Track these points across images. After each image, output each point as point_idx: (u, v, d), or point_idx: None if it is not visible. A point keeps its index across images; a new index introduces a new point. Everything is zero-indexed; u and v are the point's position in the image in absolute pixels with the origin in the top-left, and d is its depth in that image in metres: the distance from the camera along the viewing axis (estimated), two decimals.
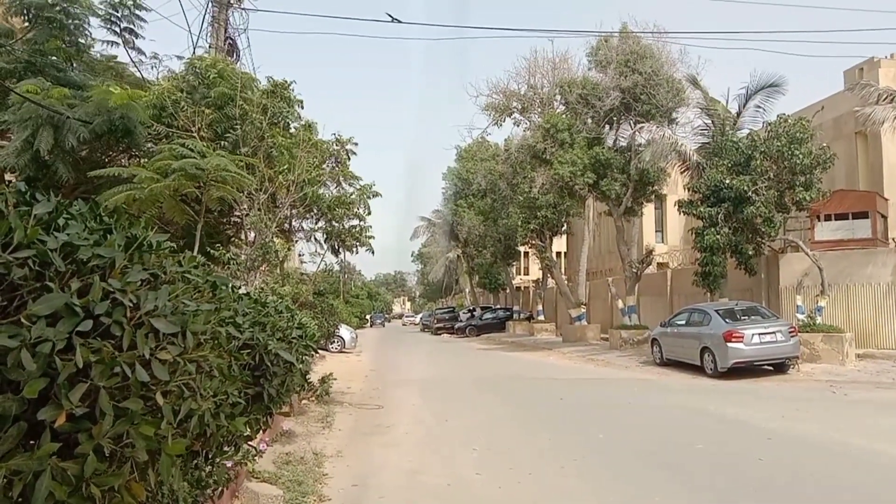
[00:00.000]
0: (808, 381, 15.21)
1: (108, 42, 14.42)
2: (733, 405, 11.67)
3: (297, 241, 18.87)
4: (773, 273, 21.49)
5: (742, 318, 16.63)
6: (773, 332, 15.90)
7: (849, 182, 26.37)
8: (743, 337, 15.65)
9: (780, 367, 16.45)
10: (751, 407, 11.63)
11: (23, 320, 1.96)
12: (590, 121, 25.60)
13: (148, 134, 12.38)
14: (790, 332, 16.08)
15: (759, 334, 15.78)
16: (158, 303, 2.33)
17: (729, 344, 15.66)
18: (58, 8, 12.48)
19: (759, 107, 22.00)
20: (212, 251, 12.04)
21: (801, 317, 18.57)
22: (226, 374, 2.97)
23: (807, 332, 17.61)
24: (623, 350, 23.88)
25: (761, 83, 21.60)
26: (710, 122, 22.72)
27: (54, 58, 12.58)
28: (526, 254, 53.54)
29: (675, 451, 8.25)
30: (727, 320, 16.43)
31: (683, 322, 18.29)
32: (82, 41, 13.73)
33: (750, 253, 19.73)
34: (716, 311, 17.15)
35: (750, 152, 19.18)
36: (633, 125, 24.85)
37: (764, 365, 16.34)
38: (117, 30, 14.36)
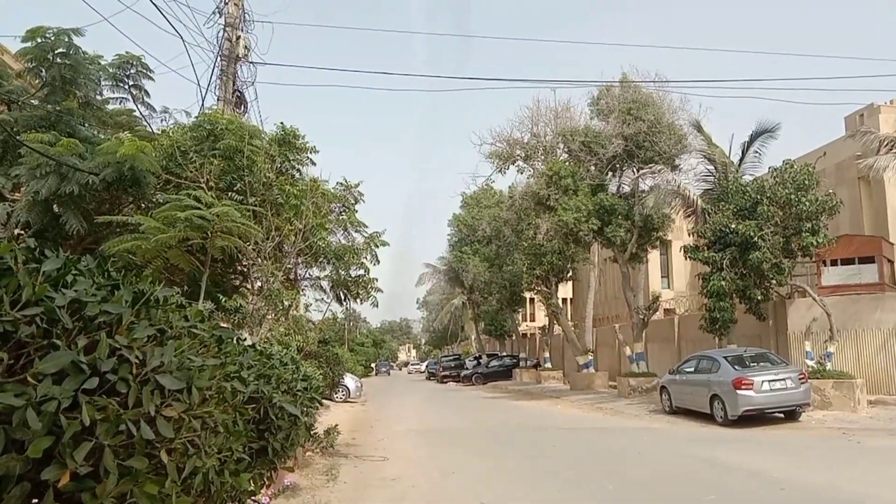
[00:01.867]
0: (820, 429, 14.95)
1: (118, 99, 14.76)
2: (745, 454, 11.47)
3: (303, 290, 18.87)
4: (781, 319, 21.34)
5: (751, 364, 16.45)
6: (783, 379, 15.70)
7: (853, 227, 26.38)
8: (752, 384, 15.45)
9: (791, 415, 16.19)
10: (763, 456, 11.42)
11: (29, 379, 1.96)
12: (593, 168, 25.81)
13: (157, 184, 12.53)
14: (800, 379, 15.87)
15: (769, 381, 15.58)
16: (164, 359, 2.33)
17: (738, 391, 15.46)
18: (67, 67, 12.78)
19: (758, 152, 22.20)
20: (220, 299, 12.07)
21: (810, 363, 18.37)
22: (230, 429, 2.95)
23: (817, 378, 17.39)
24: (632, 398, 23.59)
25: (760, 129, 21.84)
26: (712, 167, 22.87)
27: (64, 112, 12.82)
28: (532, 300, 53.43)
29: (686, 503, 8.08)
30: (736, 367, 16.26)
31: (692, 369, 18.10)
32: (96, 96, 14.03)
33: (758, 298, 19.62)
34: (724, 357, 16.98)
35: (757, 197, 19.24)
36: (636, 172, 25.04)
37: (775, 412, 16.09)
38: (126, 87, 14.71)
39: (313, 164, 16.39)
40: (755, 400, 15.43)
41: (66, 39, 12.80)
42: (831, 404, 17.14)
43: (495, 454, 12.70)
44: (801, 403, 16.05)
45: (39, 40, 12.66)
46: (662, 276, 39.00)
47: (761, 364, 16.51)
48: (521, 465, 11.39)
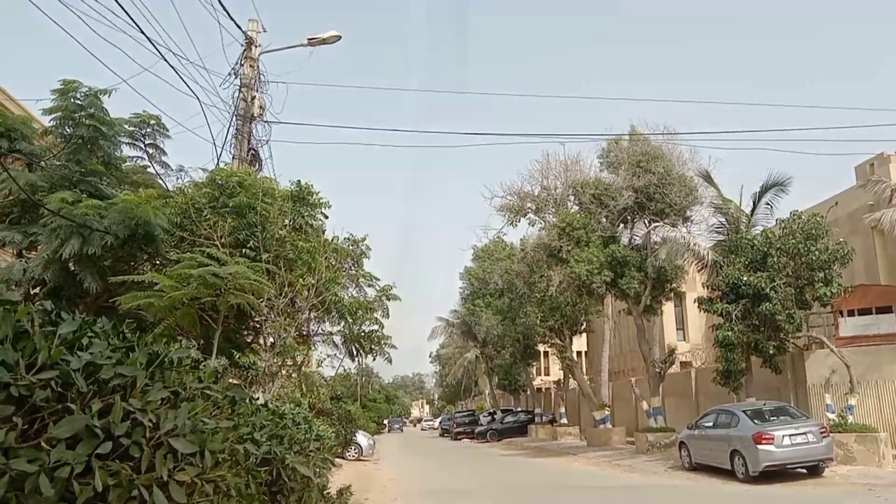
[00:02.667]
0: (844, 485, 14.51)
1: (135, 158, 15.07)
2: None
3: (315, 346, 18.82)
4: (800, 371, 20.98)
5: (771, 418, 16.10)
6: (805, 433, 15.33)
7: (869, 276, 26.14)
8: (773, 439, 15.09)
9: (814, 470, 15.75)
10: None
11: (43, 444, 1.95)
12: (604, 220, 25.86)
13: (171, 241, 12.67)
14: (822, 433, 15.49)
15: (790, 435, 15.21)
16: (178, 422, 2.32)
17: (759, 446, 15.09)
18: (90, 128, 13.09)
19: (769, 204, 22.18)
20: (233, 355, 12.04)
21: (831, 416, 17.97)
22: (243, 493, 2.90)
23: (839, 431, 16.97)
24: (650, 454, 23.07)
25: (771, 181, 21.86)
26: (724, 219, 22.87)
27: (84, 172, 13.07)
28: (546, 353, 52.85)
29: None
30: (755, 421, 15.91)
31: (711, 424, 17.73)
32: (115, 154, 14.33)
33: (771, 351, 19.32)
34: (743, 411, 16.64)
35: (766, 249, 19.18)
36: (647, 224, 25.06)
37: (797, 468, 15.66)
38: (142, 146, 15.03)
39: (325, 217, 16.56)
40: (776, 455, 15.04)
41: (96, 100, 13.14)
42: (855, 459, 16.68)
43: None
44: (824, 458, 15.62)
45: (70, 97, 12.99)
46: (678, 329, 38.61)
47: (781, 418, 16.16)
48: None
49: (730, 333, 18.93)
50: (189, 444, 2.35)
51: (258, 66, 17.13)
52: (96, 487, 1.98)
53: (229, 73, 17.10)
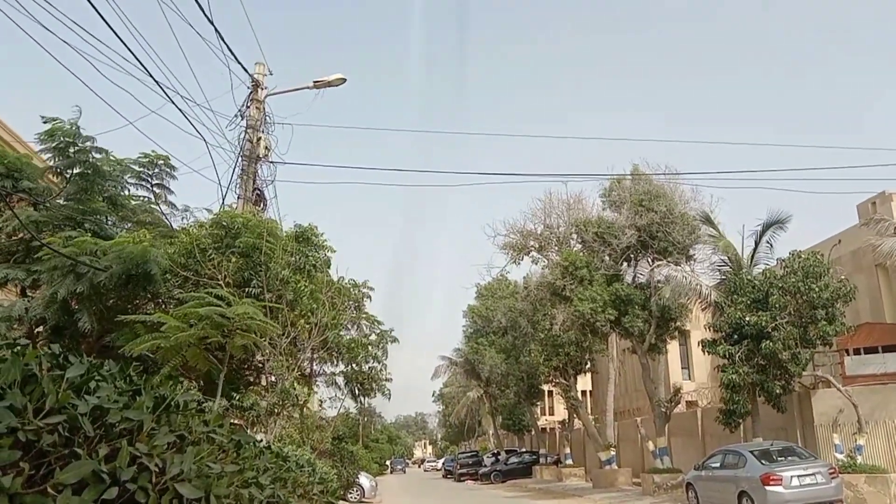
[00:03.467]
0: None
1: (142, 198, 15.18)
2: None
3: (317, 386, 18.71)
4: (807, 410, 20.74)
5: (778, 458, 15.90)
6: (813, 474, 15.12)
7: (874, 314, 25.99)
8: (781, 480, 14.88)
9: None
10: None
11: (49, 489, 1.94)
12: (607, 258, 25.88)
13: (176, 281, 12.69)
14: (831, 474, 15.28)
15: (799, 476, 15.00)
16: (184, 466, 2.31)
17: (767, 488, 14.87)
18: (90, 166, 13.22)
19: (769, 242, 22.21)
20: (234, 396, 11.96)
21: (840, 456, 17.74)
22: None
23: (848, 472, 16.73)
24: (657, 496, 22.72)
25: (771, 220, 21.94)
26: (725, 258, 22.88)
27: (86, 211, 13.15)
28: (550, 393, 52.40)
29: None
30: (763, 462, 15.71)
31: (718, 464, 17.50)
32: (120, 193, 14.44)
33: (777, 391, 19.12)
34: (751, 452, 16.44)
35: (767, 288, 19.16)
36: (650, 262, 25.06)
37: None
38: (149, 185, 15.15)
39: (328, 265, 16.58)
40: (785, 497, 14.81)
41: (84, 142, 13.21)
42: (865, 501, 16.42)
43: None
44: (834, 500, 15.37)
45: (62, 139, 13.11)
46: (683, 367, 38.33)
47: (789, 458, 15.96)
48: None
49: (734, 377, 18.78)
50: (194, 489, 2.34)
51: (264, 108, 17.37)
52: None
53: (236, 115, 17.34)
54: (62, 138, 13.01)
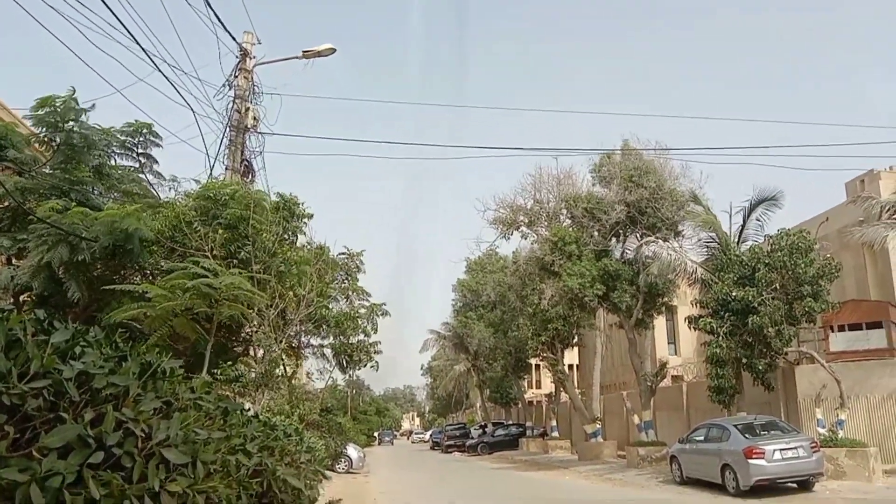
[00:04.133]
0: (835, 500, 14.55)
1: (128, 167, 15.01)
2: None
3: (305, 358, 18.75)
4: (790, 386, 21.03)
5: (762, 433, 16.12)
6: (795, 448, 15.35)
7: (860, 292, 26.29)
8: (764, 453, 15.11)
9: (804, 485, 15.77)
10: None
11: (34, 453, 1.94)
12: (596, 234, 25.94)
13: (162, 252, 12.63)
14: (812, 448, 15.52)
15: (781, 450, 15.23)
16: (170, 432, 2.31)
17: (750, 461, 15.10)
18: (79, 136, 13.06)
19: (759, 220, 22.31)
20: (221, 368, 11.96)
21: (822, 431, 18.01)
22: None
23: (829, 446, 17.00)
24: (641, 468, 23.04)
25: (761, 197, 21.99)
26: (714, 234, 22.97)
27: (72, 181, 13.02)
28: (537, 366, 52.81)
29: None
30: (746, 436, 15.93)
31: (702, 438, 17.75)
32: (105, 162, 14.28)
33: (761, 368, 19.35)
34: (734, 426, 16.66)
35: (753, 264, 19.30)
36: (639, 238, 25.13)
37: (788, 482, 15.67)
38: (135, 154, 14.97)
39: (303, 233, 16.45)
40: (767, 469, 15.05)
41: (75, 115, 13.08)
42: (845, 474, 16.70)
43: None
44: (815, 473, 15.65)
45: (48, 110, 12.94)
46: (669, 342, 38.69)
47: (772, 432, 16.19)
48: None
49: (718, 350, 18.97)
50: (181, 454, 2.34)
51: (252, 78, 17.15)
52: (94, 496, 1.96)
53: (223, 85, 17.11)
54: (55, 115, 12.85)
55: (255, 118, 16.52)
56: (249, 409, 4.71)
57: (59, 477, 1.94)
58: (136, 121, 14.77)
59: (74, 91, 12.86)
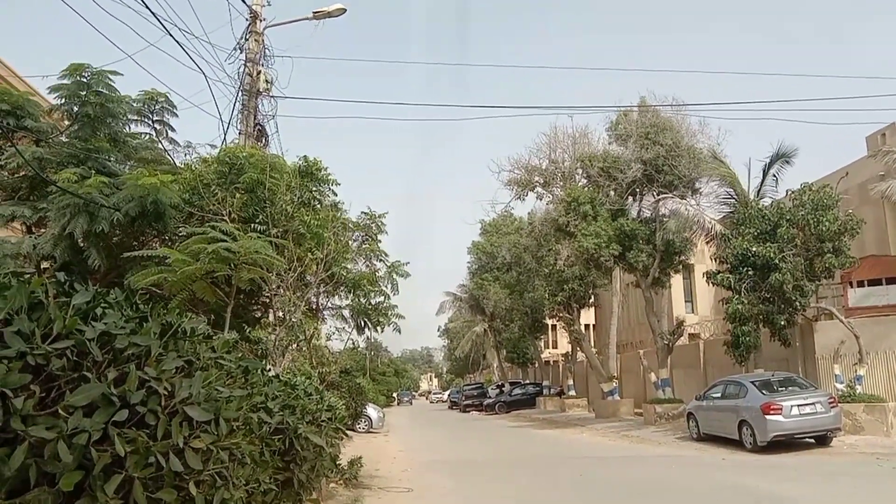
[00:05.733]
0: (852, 455, 14.59)
1: (143, 134, 15.08)
2: (777, 481, 11.21)
3: (325, 320, 18.91)
4: (809, 342, 20.96)
5: (779, 389, 16.15)
6: (813, 404, 15.37)
7: (879, 247, 25.97)
8: (781, 409, 15.15)
9: (821, 440, 15.83)
10: (796, 483, 11.15)
11: (60, 411, 1.97)
12: (612, 193, 25.74)
13: (180, 217, 12.70)
14: (830, 403, 15.54)
15: (798, 406, 15.26)
16: (192, 390, 2.34)
17: (767, 416, 15.16)
18: (97, 106, 13.09)
19: (775, 175, 22.03)
20: (245, 329, 12.10)
21: (840, 387, 18.00)
22: (258, 460, 2.94)
23: (847, 402, 17.02)
24: (658, 425, 23.21)
25: (779, 153, 21.70)
26: (732, 190, 22.72)
27: (90, 149, 13.08)
28: (553, 327, 53.03)
29: None
30: (764, 392, 15.96)
31: (719, 395, 17.80)
32: (121, 130, 14.33)
33: (782, 323, 19.29)
34: (752, 382, 16.68)
35: (776, 220, 19.09)
36: (655, 196, 24.92)
37: (805, 438, 15.74)
38: (150, 122, 15.02)
39: (335, 195, 16.57)
40: (785, 425, 15.11)
41: (105, 80, 13.14)
42: (863, 429, 16.74)
43: (521, 485, 12.52)
44: (832, 428, 15.69)
45: (78, 78, 12.99)
46: (686, 301, 38.58)
47: (790, 389, 16.21)
48: (547, 497, 11.21)
49: (740, 307, 18.89)
50: (204, 412, 2.38)
51: (263, 41, 17.01)
52: (120, 453, 2.00)
53: (234, 48, 16.99)
54: (80, 86, 12.89)
55: (267, 81, 16.43)
56: (270, 371, 4.77)
57: (86, 434, 1.98)
58: (153, 89, 14.79)
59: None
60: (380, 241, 18.71)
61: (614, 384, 31.18)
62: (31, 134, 13.36)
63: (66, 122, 13.90)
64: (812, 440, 15.90)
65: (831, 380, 18.81)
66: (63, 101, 13.36)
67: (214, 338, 3.09)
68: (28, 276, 2.29)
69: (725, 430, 16.93)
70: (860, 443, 15.81)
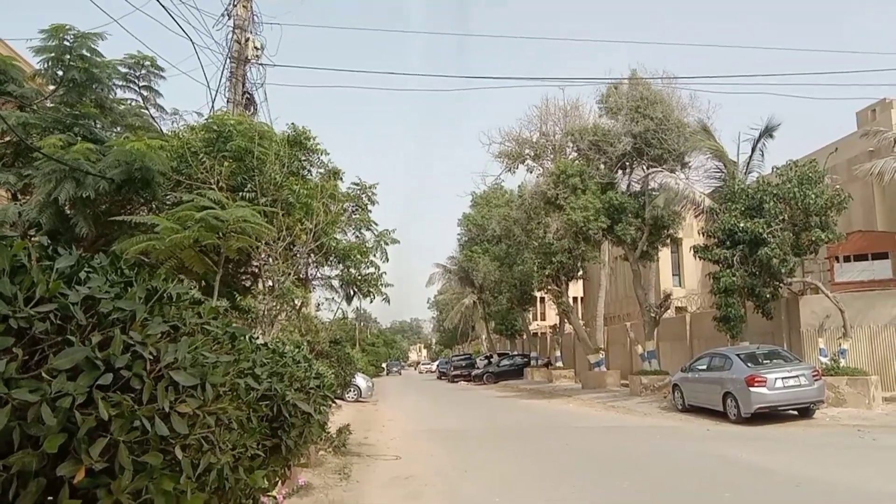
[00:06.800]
0: (834, 426, 14.84)
1: (129, 100, 14.84)
2: (759, 452, 11.40)
3: (314, 289, 18.88)
4: (794, 316, 21.19)
5: (764, 361, 16.35)
6: (797, 376, 15.59)
7: (867, 223, 26.15)
8: (766, 381, 15.36)
9: (804, 412, 16.09)
10: (777, 453, 11.35)
11: (44, 375, 1.96)
12: (602, 166, 25.73)
13: (168, 185, 12.58)
14: (814, 376, 15.76)
15: (783, 378, 15.48)
16: (178, 355, 2.33)
17: (751, 389, 15.37)
18: (82, 71, 12.86)
19: (761, 150, 22.10)
20: (235, 297, 12.09)
21: (824, 360, 18.24)
22: (244, 426, 2.94)
23: (831, 375, 17.26)
24: (644, 396, 23.50)
25: (767, 127, 21.73)
26: (721, 165, 22.76)
27: (77, 115, 12.89)
28: (542, 299, 53.31)
29: (702, 501, 8.03)
30: (749, 364, 16.16)
31: (704, 367, 18.01)
32: (107, 96, 14.11)
33: (767, 296, 19.48)
34: (737, 355, 16.88)
35: (761, 196, 19.19)
36: (645, 169, 24.93)
37: (789, 410, 15.98)
38: (136, 88, 14.77)
39: (324, 164, 16.45)
40: (768, 397, 15.33)
41: (88, 44, 12.88)
42: (846, 401, 17.01)
43: (509, 453, 12.68)
44: (815, 401, 15.94)
45: (61, 41, 12.73)
46: (674, 274, 38.83)
47: (774, 361, 16.42)
48: (534, 464, 11.36)
49: (734, 279, 19.02)
50: (190, 376, 2.37)
51: (252, 7, 16.76)
52: (102, 416, 1.99)
53: (223, 14, 16.75)
54: (62, 49, 12.61)
55: (255, 47, 16.22)
56: (259, 339, 4.76)
57: (70, 398, 1.96)
58: (139, 52, 14.50)
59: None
60: (370, 212, 18.63)
61: (601, 356, 31.48)
62: (15, 99, 13.14)
63: (51, 87, 13.67)
64: (795, 412, 16.15)
65: (816, 353, 19.05)
66: (47, 64, 13.12)
67: (202, 304, 3.07)
68: (9, 238, 2.25)
69: (710, 402, 17.17)
70: (842, 415, 16.07)
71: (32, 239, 12.52)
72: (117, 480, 2.07)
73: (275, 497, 5.40)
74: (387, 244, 18.06)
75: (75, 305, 2.15)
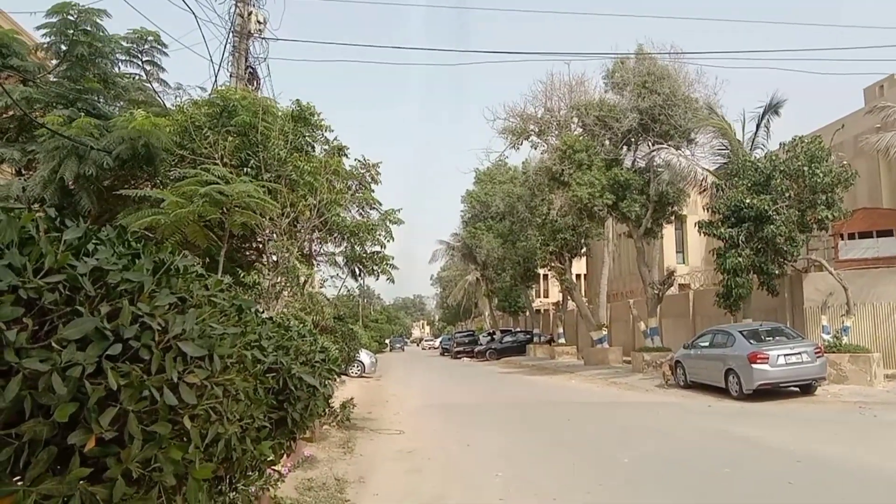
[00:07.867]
0: (835, 403, 14.91)
1: (133, 75, 14.80)
2: (760, 428, 11.47)
3: (318, 265, 18.92)
4: (798, 293, 21.20)
5: (767, 338, 16.39)
6: (799, 353, 15.64)
7: (872, 200, 26.06)
8: (768, 358, 15.41)
9: (806, 389, 16.17)
10: (778, 429, 11.42)
11: (53, 345, 1.98)
12: (607, 142, 25.57)
13: (172, 160, 12.57)
14: (816, 353, 15.81)
15: (785, 355, 15.53)
16: (186, 326, 2.35)
17: (754, 365, 15.42)
18: (86, 45, 12.82)
19: (766, 127, 21.97)
20: (239, 273, 12.12)
21: (826, 337, 18.29)
22: (251, 397, 2.98)
23: (833, 352, 17.31)
24: (646, 373, 23.60)
25: (772, 104, 21.59)
26: (726, 141, 22.64)
27: (81, 90, 12.85)
28: (545, 276, 53.37)
29: (702, 476, 8.10)
30: (751, 341, 16.20)
31: (707, 344, 18.06)
32: (110, 70, 14.07)
33: (775, 272, 19.46)
34: (740, 332, 16.92)
35: (769, 172, 19.08)
36: (651, 146, 24.78)
37: (790, 386, 16.05)
38: (140, 63, 14.72)
39: (328, 141, 16.41)
40: (770, 374, 15.39)
41: (92, 19, 12.85)
42: (847, 378, 17.07)
43: (510, 428, 12.78)
44: (817, 377, 16.00)
45: (65, 16, 12.68)
46: (677, 252, 38.81)
47: (777, 338, 16.45)
48: (536, 439, 11.46)
49: (740, 259, 18.97)
50: (198, 347, 2.39)
51: None
52: (111, 386, 2.01)
53: None
54: (67, 24, 12.58)
55: (259, 21, 16.09)
56: (264, 314, 4.79)
57: (79, 367, 1.98)
58: (142, 28, 14.45)
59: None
60: (373, 191, 18.60)
61: (604, 332, 31.58)
62: (18, 73, 13.09)
63: (54, 62, 13.62)
64: (796, 388, 16.22)
65: (819, 330, 19.09)
66: (51, 39, 13.06)
67: (208, 277, 3.08)
68: (18, 210, 2.26)
69: (712, 378, 17.24)
70: (844, 392, 16.14)
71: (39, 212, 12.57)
72: (127, 449, 2.10)
73: (280, 470, 5.47)
74: (392, 223, 18.05)
75: (84, 276, 2.16)
